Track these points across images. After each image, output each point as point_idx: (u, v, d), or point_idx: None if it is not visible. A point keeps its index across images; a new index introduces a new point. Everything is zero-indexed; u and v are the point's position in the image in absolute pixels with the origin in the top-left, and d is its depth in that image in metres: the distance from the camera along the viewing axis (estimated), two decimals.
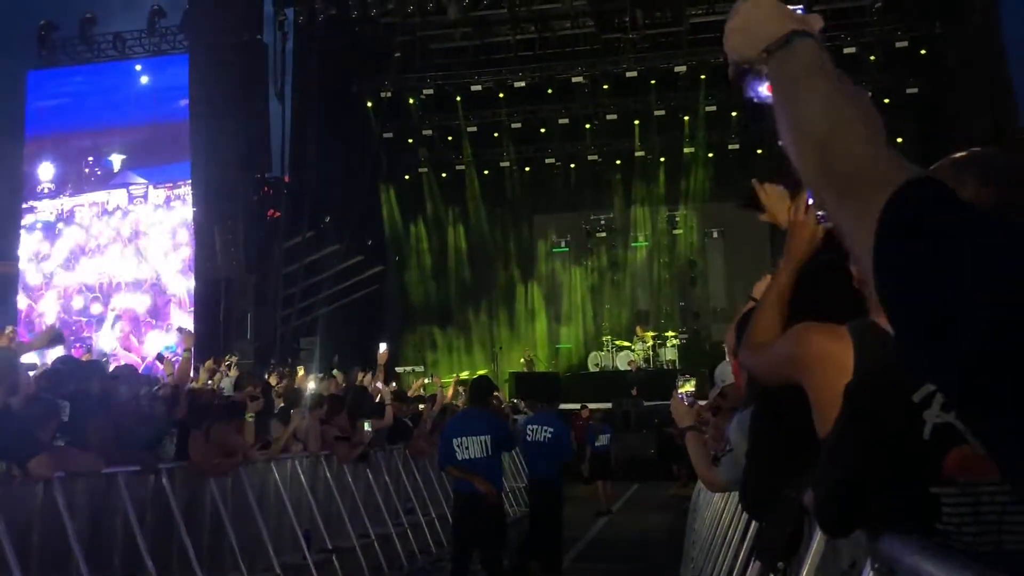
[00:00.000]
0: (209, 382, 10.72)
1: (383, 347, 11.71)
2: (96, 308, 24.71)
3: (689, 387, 4.41)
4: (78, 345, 21.63)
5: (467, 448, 6.95)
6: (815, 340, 1.78)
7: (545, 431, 9.12)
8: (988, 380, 0.69)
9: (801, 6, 1.22)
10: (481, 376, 9.60)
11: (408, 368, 24.40)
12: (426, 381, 18.06)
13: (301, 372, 12.28)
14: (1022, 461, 0.69)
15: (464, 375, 24.28)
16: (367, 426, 9.42)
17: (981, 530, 1.26)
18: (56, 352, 7.70)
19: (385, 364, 11.26)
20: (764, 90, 1.17)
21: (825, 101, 0.99)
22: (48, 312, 24.64)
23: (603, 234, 28.23)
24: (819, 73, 1.04)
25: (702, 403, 5.05)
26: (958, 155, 1.38)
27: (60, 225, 25.32)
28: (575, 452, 12.28)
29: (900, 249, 0.77)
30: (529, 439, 9.18)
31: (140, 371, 8.36)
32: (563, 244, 28.56)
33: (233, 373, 9.51)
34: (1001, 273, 0.70)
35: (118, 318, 24.58)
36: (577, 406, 18.64)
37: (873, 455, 1.47)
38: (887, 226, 0.79)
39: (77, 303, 24.83)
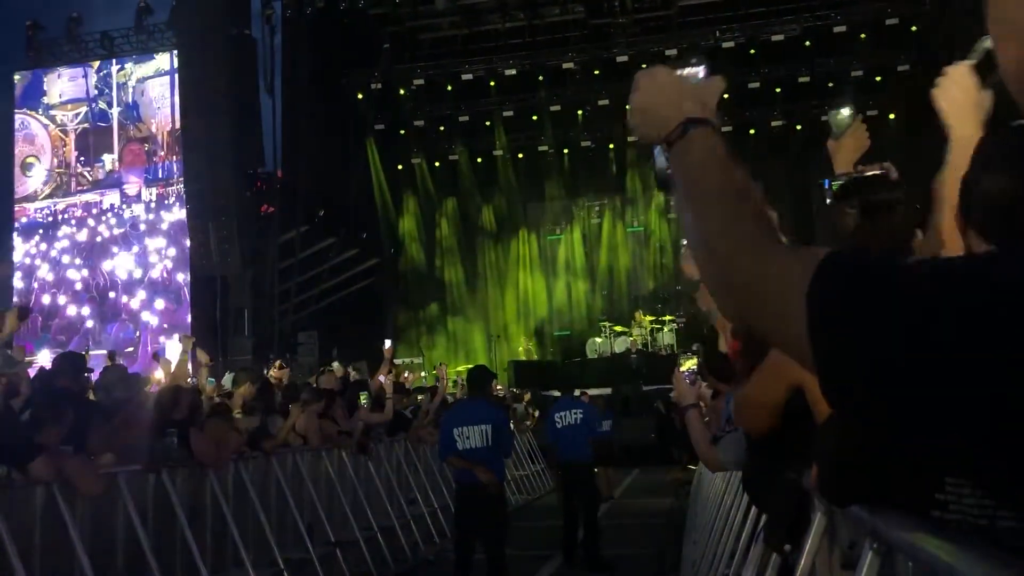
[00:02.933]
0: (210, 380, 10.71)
1: (388, 343, 11.74)
2: (91, 308, 24.69)
3: (691, 364, 4.44)
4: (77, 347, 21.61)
5: (468, 437, 6.93)
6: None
7: (575, 414, 9.52)
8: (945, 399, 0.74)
9: (702, 67, 1.24)
10: (479, 365, 9.68)
11: (407, 360, 24.41)
12: (422, 375, 18.07)
13: (276, 366, 12.14)
14: (988, 468, 0.75)
15: (462, 367, 24.35)
16: (362, 399, 9.53)
17: (979, 502, 1.26)
18: (44, 355, 7.69)
19: (390, 355, 11.27)
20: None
21: (716, 205, 1.03)
22: (44, 312, 24.62)
23: (598, 220, 28.22)
24: (710, 172, 1.08)
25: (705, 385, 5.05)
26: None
27: (56, 224, 25.29)
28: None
29: (842, 313, 0.81)
30: (559, 425, 9.53)
31: (130, 370, 8.33)
32: (558, 231, 28.55)
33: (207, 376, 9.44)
34: (939, 309, 0.75)
35: (114, 317, 24.56)
36: (576, 392, 18.66)
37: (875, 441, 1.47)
38: (820, 299, 0.82)
39: (72, 304, 24.80)
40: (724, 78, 1.26)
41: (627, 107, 1.23)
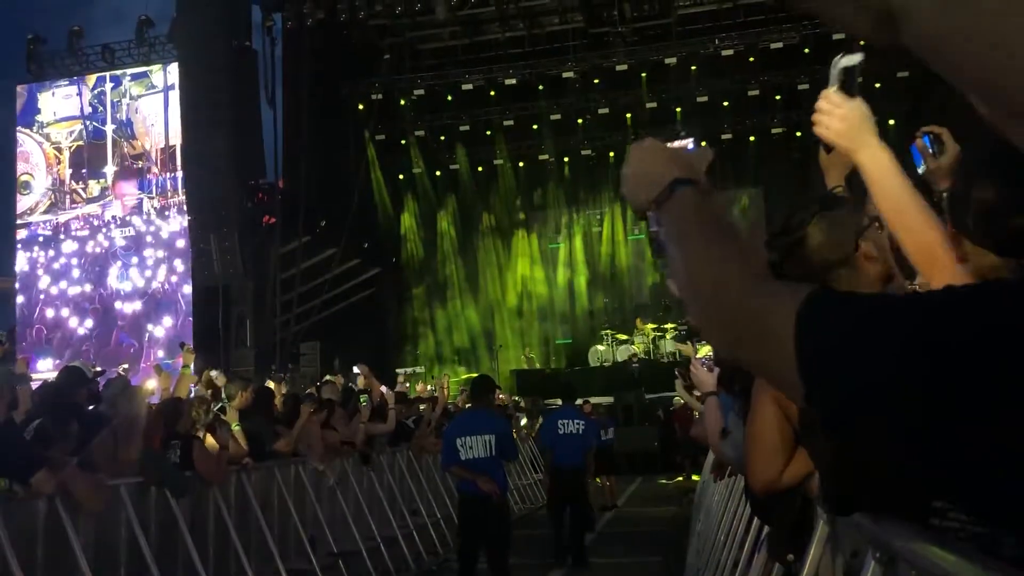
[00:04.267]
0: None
1: (356, 369, 11.65)
2: (92, 320, 24.71)
3: (707, 351, 4.32)
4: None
5: (471, 447, 6.94)
6: None
7: (576, 423, 9.98)
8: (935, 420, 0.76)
9: (691, 140, 1.30)
10: (481, 375, 9.83)
11: (408, 370, 24.39)
12: (428, 387, 18.03)
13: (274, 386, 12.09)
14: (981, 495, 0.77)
15: (464, 376, 24.32)
16: (363, 400, 9.62)
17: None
18: (46, 364, 7.68)
19: (368, 375, 11.12)
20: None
21: (704, 255, 1.07)
22: (45, 326, 24.64)
23: (599, 228, 28.25)
24: (698, 224, 1.13)
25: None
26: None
27: (55, 239, 25.35)
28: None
29: (828, 343, 0.85)
30: (561, 432, 9.99)
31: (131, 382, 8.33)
32: (559, 239, 28.57)
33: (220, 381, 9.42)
34: (924, 338, 0.78)
35: (116, 330, 24.58)
36: (579, 401, 18.63)
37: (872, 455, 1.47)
38: (805, 335, 0.86)
39: (73, 316, 24.83)
40: (712, 149, 1.32)
41: (621, 177, 1.30)
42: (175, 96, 24.22)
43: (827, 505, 1.87)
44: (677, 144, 1.32)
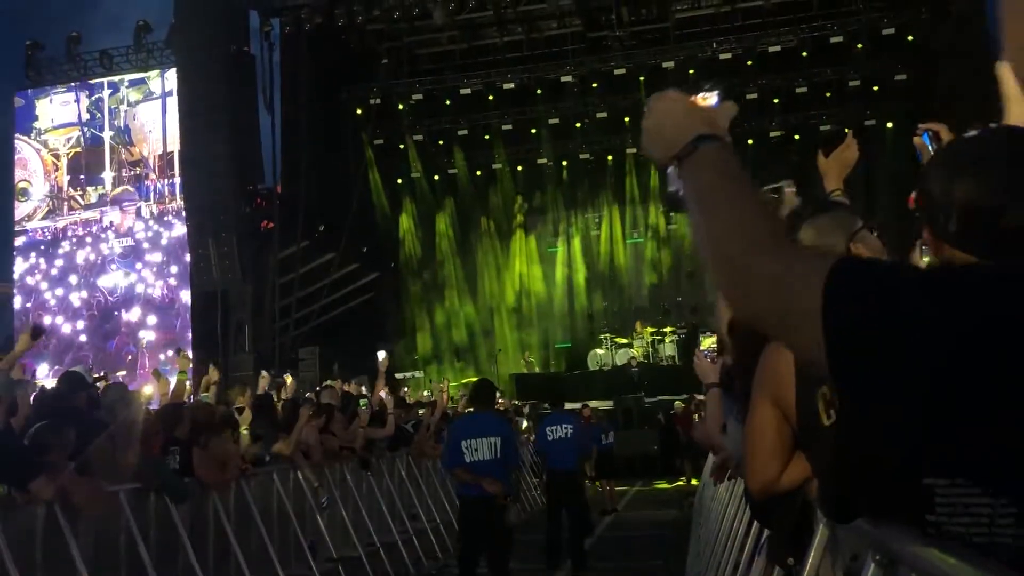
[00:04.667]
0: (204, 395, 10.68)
1: (382, 354, 11.73)
2: (90, 326, 24.69)
3: (710, 342, 4.31)
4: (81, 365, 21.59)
5: (476, 449, 6.95)
6: (764, 359, 1.85)
7: (564, 428, 10.03)
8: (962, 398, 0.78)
9: (715, 93, 1.25)
10: (483, 379, 9.88)
11: (407, 374, 24.38)
12: (425, 393, 18.05)
13: (290, 380, 12.18)
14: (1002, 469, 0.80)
15: (464, 380, 24.31)
16: (362, 403, 9.69)
17: (973, 521, 1.25)
18: (43, 369, 7.67)
19: (385, 370, 11.26)
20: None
21: (728, 215, 1.04)
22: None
23: (597, 232, 28.25)
24: (722, 182, 1.10)
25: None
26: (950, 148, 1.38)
27: (53, 244, 25.33)
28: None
29: (856, 320, 0.85)
30: (550, 438, 10.08)
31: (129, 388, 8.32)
32: (558, 243, 28.57)
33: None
34: (944, 313, 0.79)
35: (113, 334, 24.56)
36: (578, 405, 18.62)
37: (864, 452, 1.46)
38: (833, 303, 0.86)
39: (71, 322, 24.80)
40: (736, 104, 1.27)
41: (641, 130, 1.26)
42: (173, 102, 24.25)
43: (826, 514, 1.87)
44: (701, 96, 1.27)
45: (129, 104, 25.61)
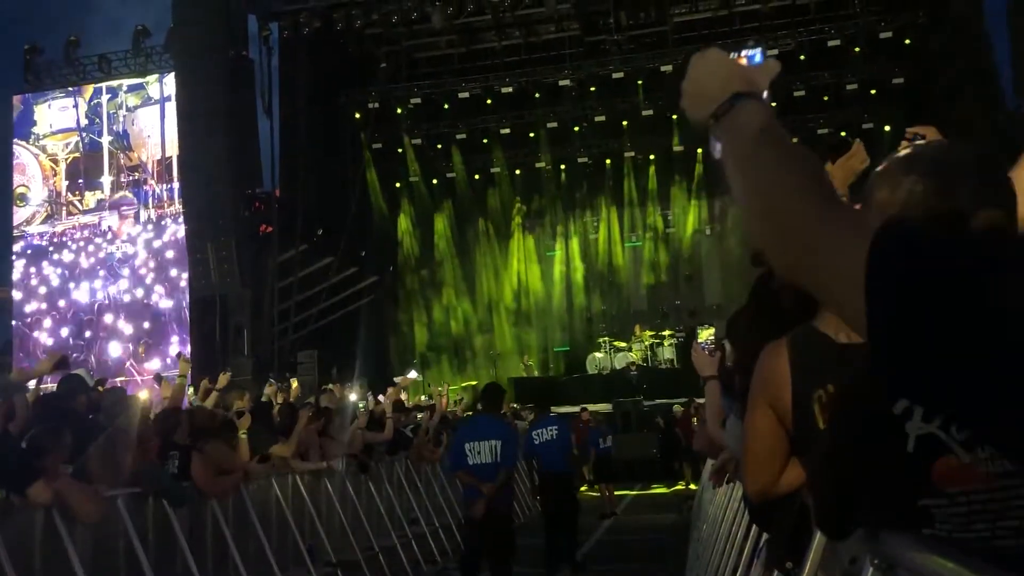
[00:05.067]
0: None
1: (413, 373, 11.71)
2: (90, 331, 24.67)
3: (708, 335, 4.24)
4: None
5: (479, 453, 7.05)
6: (761, 361, 1.85)
7: (551, 430, 9.93)
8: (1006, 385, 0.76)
9: (758, 50, 1.23)
10: (492, 383, 9.95)
11: (406, 377, 24.34)
12: (424, 397, 18.04)
13: (296, 384, 12.22)
14: None
15: (464, 384, 24.30)
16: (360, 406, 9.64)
17: (974, 537, 1.26)
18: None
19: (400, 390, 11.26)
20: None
21: (769, 174, 1.02)
22: (42, 337, 24.60)
23: (596, 235, 28.28)
24: (761, 140, 1.08)
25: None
26: (901, 154, 1.39)
27: (52, 249, 25.32)
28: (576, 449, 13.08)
29: (898, 289, 0.82)
30: (537, 442, 9.97)
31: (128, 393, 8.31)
32: (556, 247, 28.58)
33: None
34: (996, 290, 0.77)
35: (112, 341, 24.54)
36: (576, 408, 18.62)
37: (860, 469, 1.46)
38: (878, 274, 0.84)
39: (68, 326, 24.79)
40: (779, 62, 1.25)
41: (680, 90, 1.23)
42: (171, 107, 24.23)
43: (824, 532, 1.85)
44: (743, 54, 1.25)
45: (128, 109, 25.60)
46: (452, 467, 7.54)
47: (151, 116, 25.38)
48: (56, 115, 26.03)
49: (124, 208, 25.19)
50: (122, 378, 22.60)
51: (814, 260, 0.92)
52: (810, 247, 0.93)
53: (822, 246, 0.91)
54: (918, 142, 1.40)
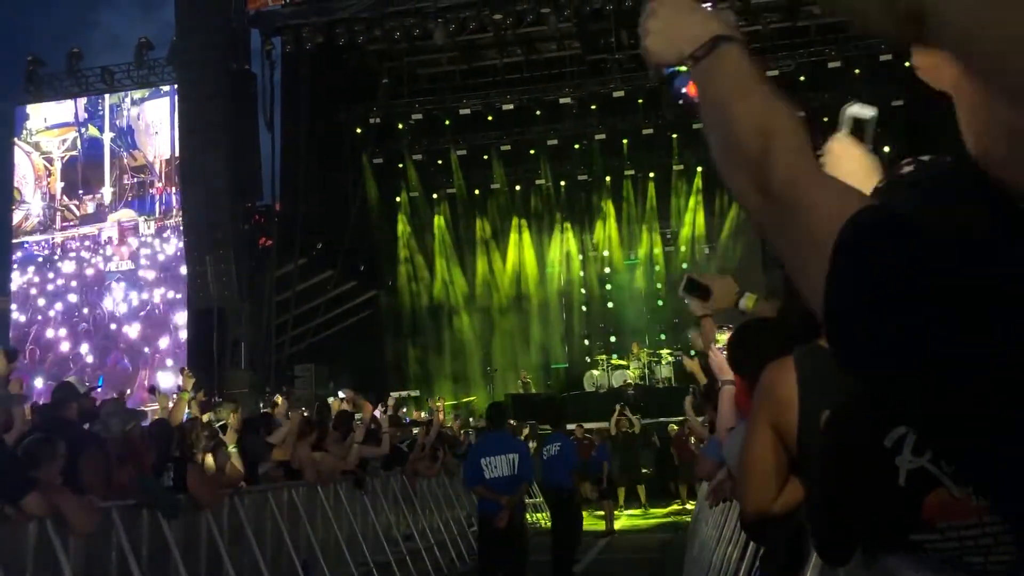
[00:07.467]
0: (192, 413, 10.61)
1: (341, 394, 11.88)
2: (88, 342, 24.61)
3: (724, 340, 4.08)
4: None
5: (495, 467, 7.31)
6: (763, 380, 1.84)
7: (555, 446, 10.41)
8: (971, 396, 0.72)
9: (711, 2, 1.21)
10: (497, 401, 10.39)
11: (403, 393, 24.30)
12: (422, 414, 17.99)
13: (281, 400, 12.11)
14: (1012, 484, 0.73)
15: (462, 400, 24.23)
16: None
17: (967, 572, 1.26)
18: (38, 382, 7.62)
19: (353, 398, 11.13)
20: (690, 91, 1.15)
21: (757, 115, 0.99)
22: (41, 347, 24.55)
23: (595, 253, 28.32)
24: (748, 82, 1.05)
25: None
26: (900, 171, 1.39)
27: (55, 258, 25.24)
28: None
29: (859, 280, 0.79)
30: (545, 457, 10.51)
31: (126, 404, 8.27)
32: (555, 263, 28.61)
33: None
34: (963, 292, 0.74)
35: (111, 352, 24.48)
36: (571, 426, 18.55)
37: (851, 502, 1.45)
38: (843, 260, 0.81)
39: (68, 337, 24.73)
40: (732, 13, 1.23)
41: (641, 32, 1.19)
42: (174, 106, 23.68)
43: (824, 560, 1.84)
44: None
45: (133, 102, 24.22)
46: (470, 482, 7.77)
47: (160, 109, 24.10)
48: (51, 109, 24.38)
49: (124, 220, 24.94)
50: (126, 390, 22.52)
51: (788, 220, 0.90)
52: (788, 202, 0.91)
53: (800, 209, 0.88)
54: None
